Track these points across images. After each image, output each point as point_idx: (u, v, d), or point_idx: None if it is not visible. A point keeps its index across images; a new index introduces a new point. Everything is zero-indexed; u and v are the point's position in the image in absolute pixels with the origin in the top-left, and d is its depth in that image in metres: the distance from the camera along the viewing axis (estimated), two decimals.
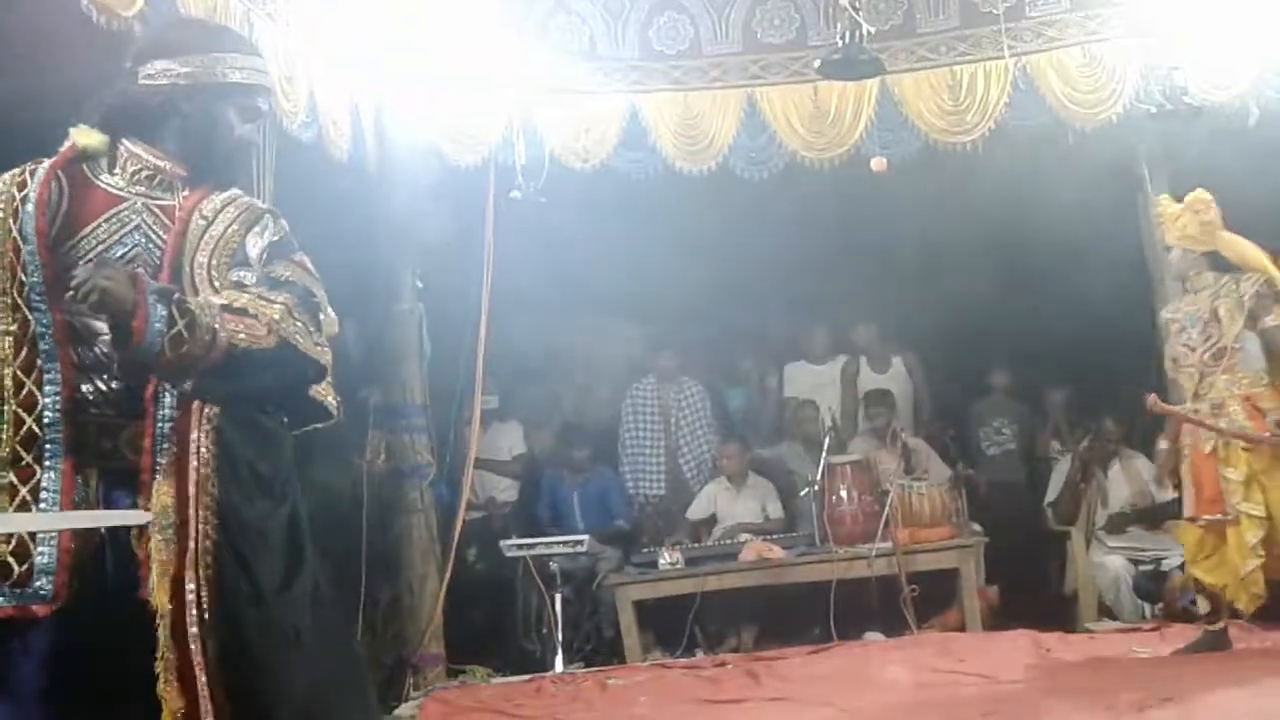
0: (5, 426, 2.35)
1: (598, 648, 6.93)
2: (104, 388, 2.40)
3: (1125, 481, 6.90)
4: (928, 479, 6.95)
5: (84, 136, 2.51)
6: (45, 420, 2.35)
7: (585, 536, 6.94)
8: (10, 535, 2.29)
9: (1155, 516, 6.66)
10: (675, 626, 6.68)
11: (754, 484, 7.38)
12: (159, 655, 2.27)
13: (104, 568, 2.36)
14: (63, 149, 2.50)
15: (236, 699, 2.30)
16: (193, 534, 2.30)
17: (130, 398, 2.38)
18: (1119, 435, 6.95)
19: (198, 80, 2.49)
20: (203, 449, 2.34)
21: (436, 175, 6.27)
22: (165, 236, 2.46)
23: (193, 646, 2.27)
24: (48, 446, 2.35)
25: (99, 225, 2.45)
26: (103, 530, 2.37)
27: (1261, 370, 5.13)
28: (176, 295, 2.27)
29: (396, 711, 5.87)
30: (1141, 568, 6.68)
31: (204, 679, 2.27)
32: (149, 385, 2.37)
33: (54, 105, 2.65)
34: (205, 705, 2.26)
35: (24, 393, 2.36)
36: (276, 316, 2.38)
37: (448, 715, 5.52)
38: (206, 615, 2.28)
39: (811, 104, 6.51)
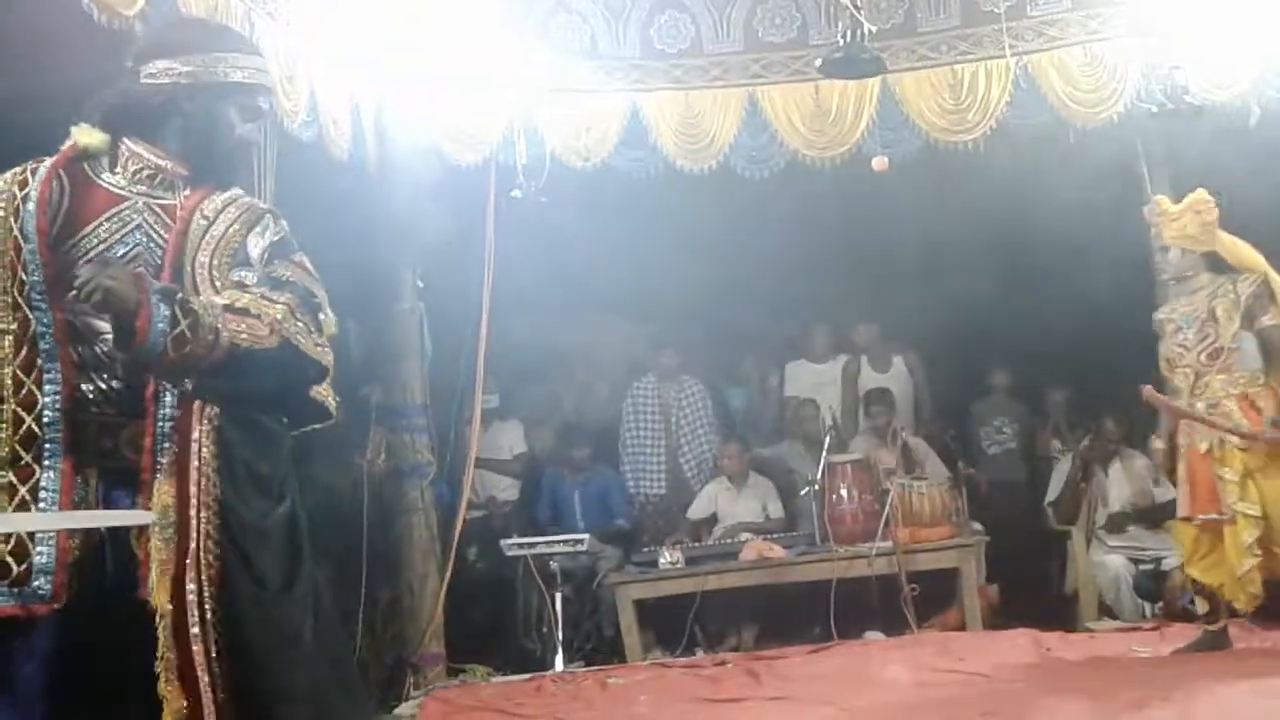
0: (4, 426, 2.36)
1: (598, 647, 6.93)
2: (104, 387, 2.40)
3: (1126, 481, 6.90)
4: (928, 478, 6.95)
5: (85, 135, 2.51)
6: (45, 420, 2.36)
7: (586, 536, 6.94)
8: (9, 535, 2.29)
9: (1155, 516, 6.66)
10: (675, 626, 6.68)
11: (754, 483, 7.38)
12: (159, 655, 2.27)
13: (104, 567, 2.37)
14: (64, 148, 2.51)
15: (237, 698, 2.30)
16: (194, 534, 2.31)
17: (131, 397, 2.38)
18: (1119, 435, 6.95)
19: (199, 80, 2.50)
20: (204, 449, 2.35)
21: (437, 174, 6.26)
22: (166, 236, 2.46)
23: (195, 647, 2.27)
24: (47, 446, 2.35)
25: (100, 224, 2.45)
26: (102, 530, 2.37)
27: (1258, 370, 5.13)
28: (180, 295, 2.28)
29: (397, 710, 5.87)
30: (1142, 567, 6.69)
31: (206, 679, 2.27)
32: (149, 384, 2.37)
33: (55, 104, 2.65)
34: (208, 705, 2.26)
35: (23, 392, 2.36)
36: (279, 317, 2.38)
37: (448, 714, 5.51)
38: (209, 614, 2.28)
39: (813, 103, 6.50)
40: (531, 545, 6.85)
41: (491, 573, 7.21)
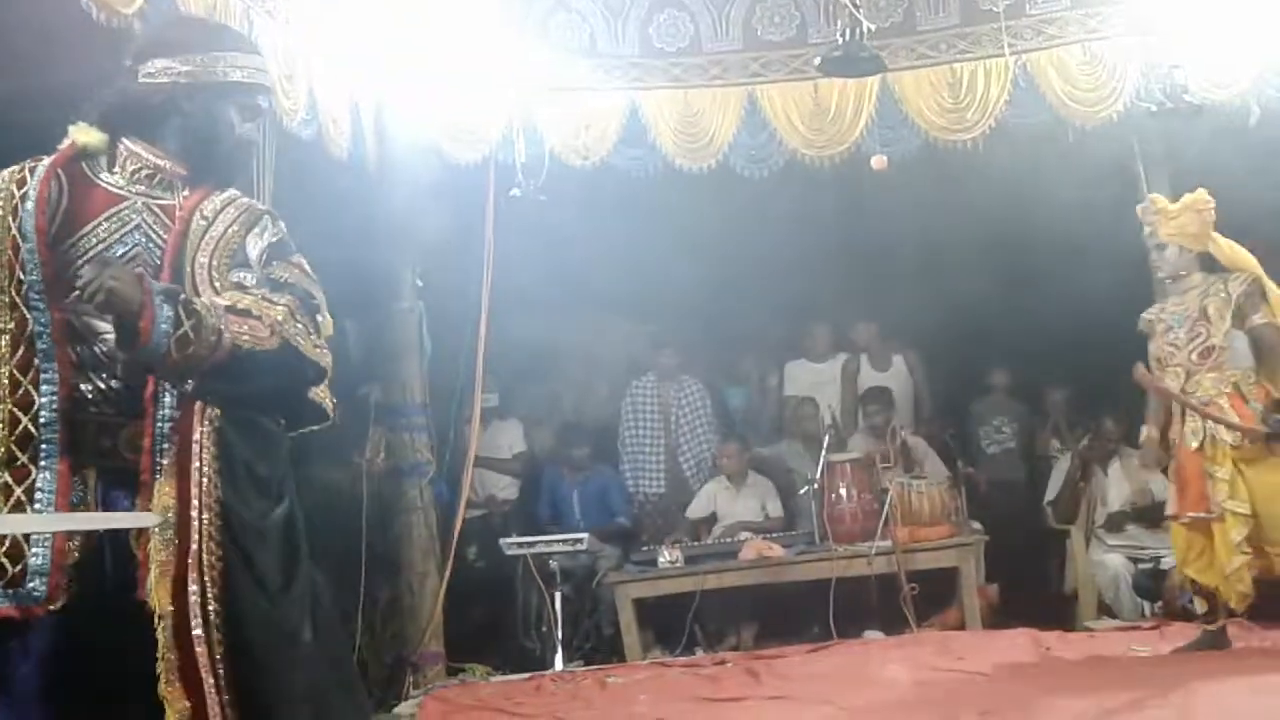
0: (0, 426, 2.35)
1: (597, 646, 6.94)
2: (103, 386, 2.39)
3: (1125, 480, 6.90)
4: (927, 477, 6.95)
5: (83, 134, 2.50)
6: (41, 420, 2.35)
7: (585, 535, 6.94)
8: (4, 536, 2.29)
9: (1155, 515, 6.65)
10: (675, 625, 6.68)
11: (754, 482, 7.38)
12: (160, 656, 2.27)
13: (103, 568, 2.36)
14: (63, 147, 2.50)
15: (239, 699, 2.30)
16: (195, 534, 2.30)
17: (130, 397, 2.38)
18: (1119, 434, 6.95)
19: (198, 79, 2.49)
20: (205, 450, 2.34)
21: (436, 173, 6.26)
22: (166, 236, 2.45)
23: (198, 649, 2.27)
24: (43, 446, 2.34)
25: (99, 224, 2.44)
26: (102, 530, 2.36)
27: (1249, 369, 5.16)
28: (183, 296, 2.28)
29: (396, 710, 5.87)
30: (1141, 566, 6.69)
31: (211, 680, 2.26)
32: (148, 385, 2.36)
33: (53, 102, 2.64)
34: (213, 706, 2.26)
35: (20, 392, 2.35)
36: (279, 318, 2.38)
37: (448, 713, 5.51)
38: (212, 615, 2.28)
39: (812, 102, 6.50)
40: (531, 544, 6.86)
41: (491, 572, 7.22)
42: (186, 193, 2.51)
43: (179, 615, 2.27)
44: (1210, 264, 5.28)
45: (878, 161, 6.28)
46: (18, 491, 2.33)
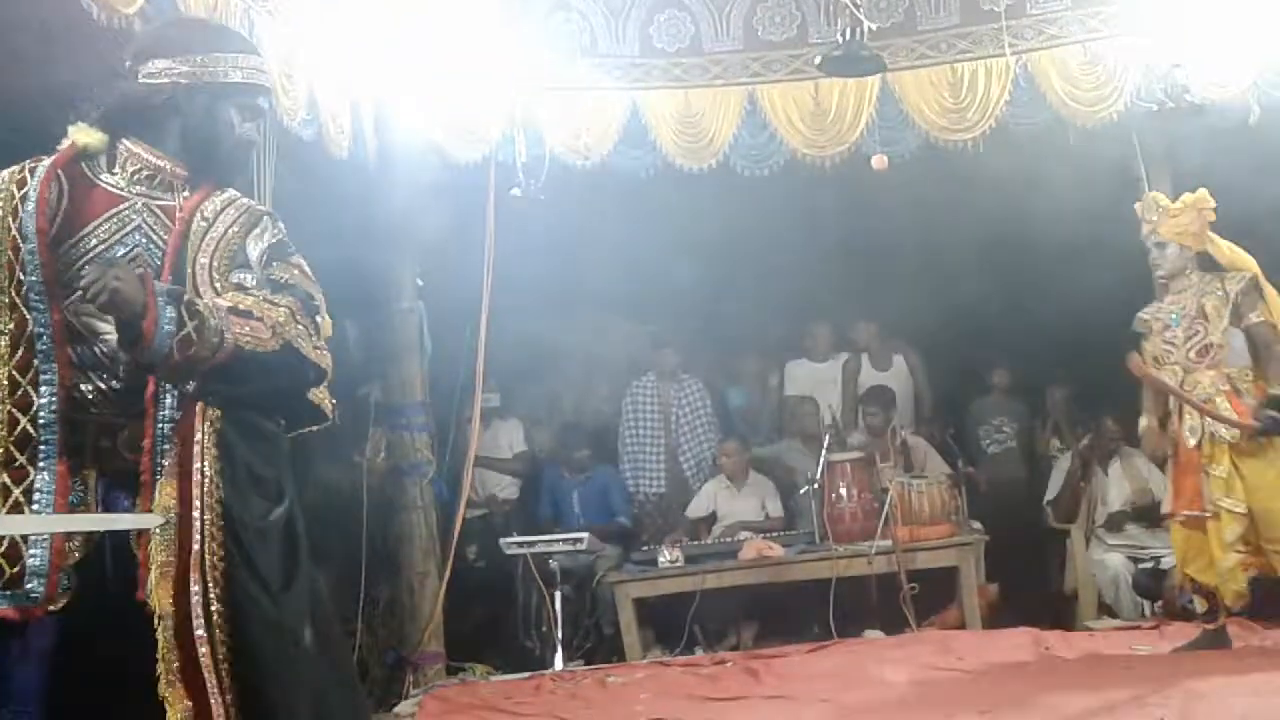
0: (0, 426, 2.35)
1: (597, 645, 6.94)
2: (104, 387, 2.39)
3: (1125, 479, 6.90)
4: (927, 477, 6.95)
5: (83, 135, 2.50)
6: (40, 421, 2.35)
7: (585, 534, 6.93)
8: (2, 537, 2.29)
9: (1155, 515, 6.65)
10: (675, 624, 6.68)
11: (754, 482, 7.38)
12: (160, 656, 2.27)
13: (103, 569, 2.36)
14: (63, 147, 2.50)
15: (242, 698, 2.30)
16: (196, 535, 2.30)
17: (130, 398, 2.38)
18: (1119, 433, 6.94)
19: (198, 80, 2.49)
20: (207, 451, 2.34)
21: (436, 173, 6.25)
22: (166, 237, 2.45)
23: (201, 649, 2.27)
24: (42, 447, 2.34)
25: (99, 225, 2.44)
26: (102, 531, 2.36)
27: (1245, 367, 5.17)
28: (186, 297, 2.28)
29: (396, 709, 5.87)
30: (1141, 565, 6.68)
31: (213, 681, 2.27)
32: (149, 385, 2.36)
33: (54, 103, 2.64)
34: (216, 706, 2.26)
35: (19, 393, 2.35)
36: (280, 320, 2.38)
37: (447, 713, 5.51)
38: (214, 616, 2.28)
39: (812, 101, 6.50)
40: (531, 544, 6.85)
41: (491, 571, 7.22)
42: (187, 193, 2.51)
43: (180, 616, 2.27)
44: (1207, 263, 5.28)
45: (878, 161, 6.28)
46: (16, 492, 2.33)
